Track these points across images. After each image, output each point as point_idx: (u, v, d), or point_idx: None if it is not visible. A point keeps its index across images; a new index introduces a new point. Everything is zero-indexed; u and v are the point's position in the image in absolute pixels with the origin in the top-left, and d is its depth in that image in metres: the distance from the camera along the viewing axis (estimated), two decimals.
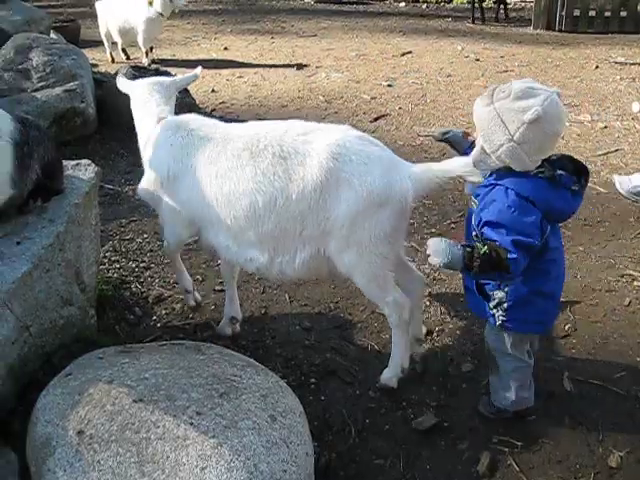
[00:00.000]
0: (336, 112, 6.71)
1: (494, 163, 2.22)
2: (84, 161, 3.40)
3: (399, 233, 2.68)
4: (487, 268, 2.13)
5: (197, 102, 6.74)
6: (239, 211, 2.69)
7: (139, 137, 3.21)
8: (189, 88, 7.23)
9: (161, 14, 8.55)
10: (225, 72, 8.46)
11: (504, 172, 2.22)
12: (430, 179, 2.56)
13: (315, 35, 10.84)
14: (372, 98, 7.21)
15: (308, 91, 7.38)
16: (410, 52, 9.40)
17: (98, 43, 9.34)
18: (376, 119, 6.51)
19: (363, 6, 14.06)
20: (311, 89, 7.43)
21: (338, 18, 12.40)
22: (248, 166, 2.67)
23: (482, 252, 2.12)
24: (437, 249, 2.16)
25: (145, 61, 8.81)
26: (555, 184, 2.18)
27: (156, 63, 8.80)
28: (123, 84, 3.33)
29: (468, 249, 2.14)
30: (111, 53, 9.12)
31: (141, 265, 3.97)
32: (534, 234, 2.15)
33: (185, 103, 5.72)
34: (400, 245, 2.79)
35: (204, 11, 13.63)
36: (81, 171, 3.30)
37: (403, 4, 14.00)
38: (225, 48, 9.99)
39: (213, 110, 6.86)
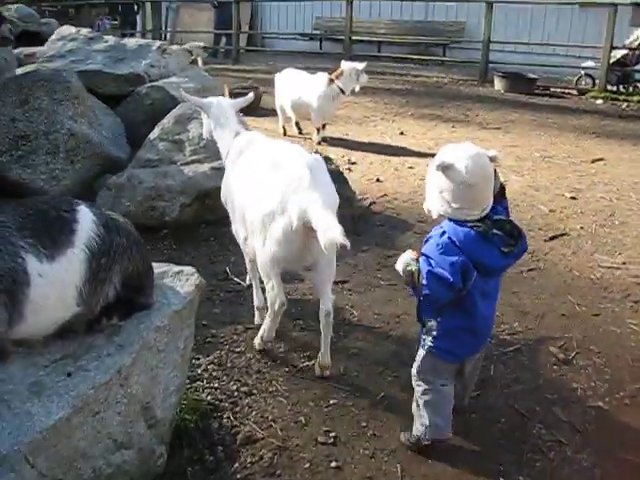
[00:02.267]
0: None
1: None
2: (187, 269, 2.95)
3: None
4: (410, 283, 2.61)
5: (356, 192, 6.27)
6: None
7: (220, 148, 3.95)
8: (353, 176, 6.92)
9: (342, 91, 8.28)
10: (395, 160, 7.96)
11: (450, 219, 2.61)
12: None
13: (499, 128, 10.08)
14: (551, 211, 6.31)
15: None
16: (602, 159, 8.32)
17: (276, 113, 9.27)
18: (552, 238, 5.61)
19: (556, 100, 13.08)
20: None
21: (527, 111, 11.53)
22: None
23: (409, 270, 2.58)
24: (402, 258, 2.65)
25: (315, 138, 8.56)
26: (487, 240, 2.54)
27: (325, 141, 8.54)
28: (196, 100, 4.03)
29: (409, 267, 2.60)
30: (284, 126, 9.00)
31: (242, 389, 3.40)
32: (453, 273, 2.50)
33: (342, 195, 5.23)
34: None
35: (389, 89, 13.38)
36: (180, 281, 2.83)
37: (600, 101, 12.83)
38: (401, 132, 9.53)
39: (372, 203, 6.32)
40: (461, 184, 2.49)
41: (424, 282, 2.52)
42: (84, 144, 5.48)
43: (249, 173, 3.49)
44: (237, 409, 3.25)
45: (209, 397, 3.31)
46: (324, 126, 8.77)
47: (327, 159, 5.34)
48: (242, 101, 4.08)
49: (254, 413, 3.23)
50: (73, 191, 5.13)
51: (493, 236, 2.54)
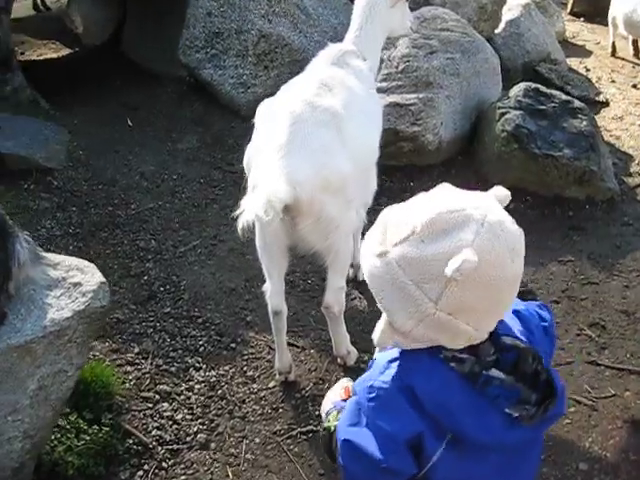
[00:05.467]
0: None
1: None
2: (92, 279, 2.18)
3: None
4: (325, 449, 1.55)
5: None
6: None
7: None
8: None
9: None
10: None
11: None
12: None
13: None
14: None
15: None
16: None
17: None
18: None
19: None
20: None
21: None
22: None
23: (326, 427, 1.53)
24: (327, 397, 1.64)
25: None
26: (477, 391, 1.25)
27: None
28: None
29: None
30: (614, 43, 6.85)
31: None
32: (388, 451, 1.28)
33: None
34: None
35: None
36: (70, 298, 2.11)
37: None
38: None
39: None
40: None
41: (338, 458, 1.40)
42: (281, 48, 4.73)
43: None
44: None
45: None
46: None
47: None
48: None
49: None
50: None
51: (487, 384, 1.25)
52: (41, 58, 6.86)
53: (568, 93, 5.44)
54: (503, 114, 4.13)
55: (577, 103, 4.26)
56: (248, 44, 4.73)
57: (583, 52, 6.86)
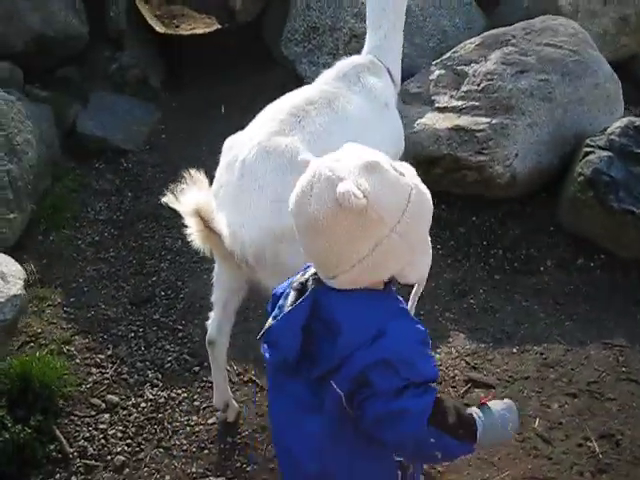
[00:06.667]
0: None
1: None
2: (14, 272, 2.24)
3: None
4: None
5: None
6: None
7: None
8: None
9: None
10: None
11: None
12: None
13: None
14: None
15: None
16: None
17: None
18: None
19: None
20: None
21: None
22: None
23: None
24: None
25: None
26: None
27: None
28: None
29: None
30: None
31: None
32: None
33: None
34: None
35: None
36: None
37: None
38: None
39: None
40: None
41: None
42: None
43: None
44: None
45: None
46: None
47: None
48: None
49: None
50: None
51: None
52: (187, 33, 7.09)
53: None
54: (588, 153, 3.50)
55: None
56: (339, 43, 4.49)
57: None
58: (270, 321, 1.37)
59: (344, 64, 2.82)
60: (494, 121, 3.65)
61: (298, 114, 2.41)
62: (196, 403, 2.82)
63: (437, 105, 3.83)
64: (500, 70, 3.80)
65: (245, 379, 2.93)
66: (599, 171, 3.38)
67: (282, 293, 1.42)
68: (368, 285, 1.31)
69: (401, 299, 1.41)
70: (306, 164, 1.33)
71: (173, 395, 2.86)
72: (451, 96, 3.85)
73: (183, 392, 2.87)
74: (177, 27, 7.21)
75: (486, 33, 4.12)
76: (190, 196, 2.07)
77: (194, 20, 7.50)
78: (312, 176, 1.27)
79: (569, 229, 3.60)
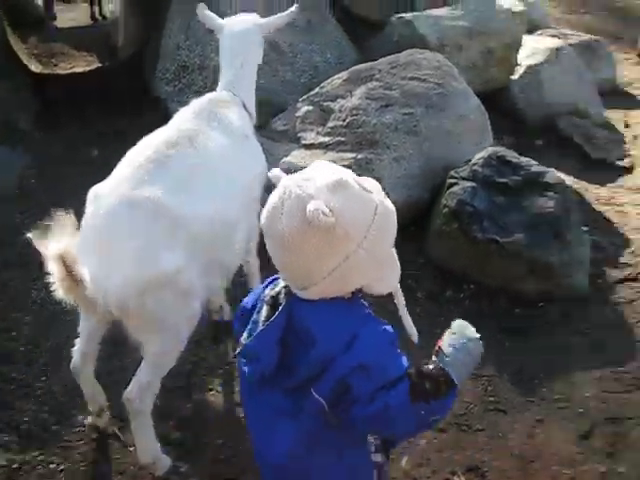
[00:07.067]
0: None
1: None
2: None
3: None
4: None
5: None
6: None
7: None
8: None
9: None
10: None
11: None
12: None
13: None
14: None
15: None
16: None
17: None
18: None
19: None
20: None
21: None
22: None
23: None
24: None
25: None
26: None
27: None
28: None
29: None
30: None
31: None
32: None
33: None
34: None
35: None
36: None
37: None
38: None
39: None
40: None
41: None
42: None
43: None
44: None
45: None
46: None
47: None
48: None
49: None
50: None
51: None
52: (65, 72, 6.85)
53: (585, 154, 4.69)
54: (452, 184, 3.52)
55: (550, 177, 3.53)
56: (207, 81, 4.40)
57: (635, 103, 5.90)
58: (245, 336, 1.43)
59: (199, 102, 2.84)
60: (359, 156, 3.63)
61: (160, 159, 2.40)
62: (52, 465, 2.60)
63: (303, 142, 3.79)
64: (365, 105, 3.79)
65: None
66: (463, 202, 3.40)
67: (252, 307, 1.48)
68: (338, 295, 1.38)
69: (366, 304, 1.47)
70: (277, 179, 1.37)
71: (28, 459, 2.63)
72: (317, 132, 3.82)
73: (40, 454, 2.65)
74: (55, 66, 6.98)
75: (353, 68, 4.13)
76: (56, 240, 1.99)
77: (74, 58, 7.28)
78: (283, 193, 1.31)
79: (437, 261, 3.60)
